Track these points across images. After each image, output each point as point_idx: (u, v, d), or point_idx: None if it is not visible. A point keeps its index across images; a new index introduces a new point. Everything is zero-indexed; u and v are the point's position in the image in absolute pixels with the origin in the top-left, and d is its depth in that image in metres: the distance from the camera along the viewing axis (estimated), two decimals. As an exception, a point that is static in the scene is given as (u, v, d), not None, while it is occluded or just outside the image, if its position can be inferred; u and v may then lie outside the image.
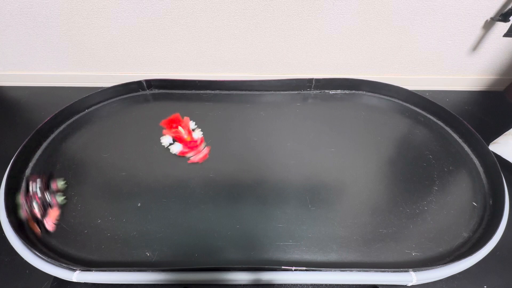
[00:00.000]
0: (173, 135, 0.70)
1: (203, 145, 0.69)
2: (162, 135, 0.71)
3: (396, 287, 0.51)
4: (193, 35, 0.82)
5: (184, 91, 0.84)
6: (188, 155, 0.68)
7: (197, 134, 0.71)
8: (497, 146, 0.71)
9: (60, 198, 0.58)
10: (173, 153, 0.68)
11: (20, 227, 0.55)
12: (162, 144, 0.70)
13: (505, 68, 0.89)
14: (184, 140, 0.69)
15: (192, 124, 0.73)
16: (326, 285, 0.53)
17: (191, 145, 0.68)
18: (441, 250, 0.53)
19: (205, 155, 0.68)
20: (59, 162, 0.67)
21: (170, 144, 0.69)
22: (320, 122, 0.76)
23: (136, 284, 0.51)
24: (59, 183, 0.61)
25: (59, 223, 0.56)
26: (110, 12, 0.77)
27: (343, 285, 0.52)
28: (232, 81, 0.82)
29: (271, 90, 0.84)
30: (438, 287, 0.53)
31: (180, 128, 0.70)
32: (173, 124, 0.72)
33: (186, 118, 0.74)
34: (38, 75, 0.94)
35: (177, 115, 0.73)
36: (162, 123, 0.73)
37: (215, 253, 0.53)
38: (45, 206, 0.56)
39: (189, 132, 0.70)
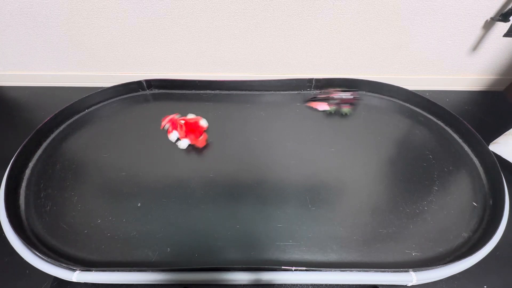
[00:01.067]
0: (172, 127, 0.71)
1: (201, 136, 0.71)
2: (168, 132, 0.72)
3: (396, 287, 0.51)
4: (193, 35, 0.82)
5: (184, 91, 0.84)
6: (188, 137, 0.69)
7: (203, 123, 0.72)
8: (497, 146, 0.71)
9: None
10: (181, 148, 0.69)
11: (20, 227, 0.55)
12: (170, 141, 0.71)
13: (505, 68, 0.89)
14: (182, 126, 0.70)
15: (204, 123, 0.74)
16: (326, 285, 0.53)
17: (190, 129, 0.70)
18: (441, 250, 0.53)
19: (203, 142, 0.69)
20: (59, 162, 0.67)
21: (178, 139, 0.71)
22: (320, 122, 0.76)
23: (136, 284, 0.51)
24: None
25: (60, 223, 0.57)
26: (110, 12, 0.77)
27: (343, 285, 0.52)
28: (232, 81, 0.82)
29: (271, 90, 0.84)
30: (438, 287, 0.53)
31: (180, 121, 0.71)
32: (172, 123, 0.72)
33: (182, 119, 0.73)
34: (38, 75, 0.94)
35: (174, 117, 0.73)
36: (167, 122, 0.73)
37: (215, 253, 0.53)
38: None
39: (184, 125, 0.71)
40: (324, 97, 0.77)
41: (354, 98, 0.78)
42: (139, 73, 0.93)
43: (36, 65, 0.92)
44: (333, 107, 0.75)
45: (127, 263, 0.52)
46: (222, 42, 0.83)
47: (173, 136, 0.70)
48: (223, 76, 0.92)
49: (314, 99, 0.77)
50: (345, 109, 0.75)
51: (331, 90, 0.78)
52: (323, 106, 0.76)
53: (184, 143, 0.69)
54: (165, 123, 0.72)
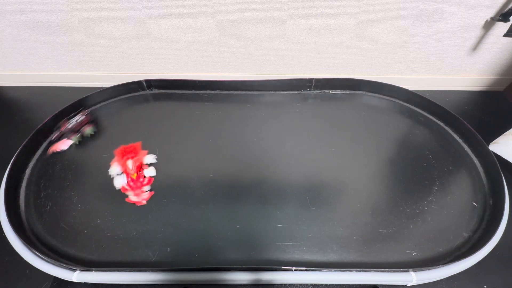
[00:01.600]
0: (121, 166, 0.63)
1: (147, 187, 0.61)
2: (112, 164, 0.64)
3: (396, 287, 0.51)
4: (193, 35, 0.82)
5: (184, 91, 0.84)
6: (128, 193, 0.60)
7: (149, 172, 0.63)
8: (497, 146, 0.71)
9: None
10: (116, 187, 0.61)
11: (20, 227, 0.55)
12: (109, 174, 0.63)
13: (505, 68, 0.89)
14: (129, 175, 0.62)
15: (150, 158, 0.66)
16: (326, 285, 0.53)
17: (135, 184, 0.61)
18: (441, 250, 0.53)
19: (144, 200, 0.59)
20: (59, 162, 0.67)
21: (117, 174, 0.63)
22: (320, 122, 0.76)
23: (136, 284, 0.51)
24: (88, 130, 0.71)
25: (60, 223, 0.57)
26: (110, 12, 0.77)
27: (343, 285, 0.52)
28: (232, 81, 0.82)
29: (271, 90, 0.84)
30: (438, 287, 0.53)
31: (129, 161, 0.63)
32: (126, 154, 0.65)
33: (143, 152, 0.66)
34: (38, 75, 0.94)
35: (137, 144, 0.67)
36: (116, 150, 0.66)
37: (215, 253, 0.53)
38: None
39: (138, 168, 0.63)
40: (60, 134, 0.69)
41: (86, 116, 0.72)
42: (139, 73, 0.93)
43: (36, 65, 0.92)
44: (76, 137, 0.69)
45: (127, 263, 0.52)
46: (222, 42, 0.83)
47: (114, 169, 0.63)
48: (223, 76, 0.92)
49: (52, 142, 0.68)
50: (87, 130, 0.70)
51: (60, 124, 0.70)
52: (65, 144, 0.68)
53: (120, 180, 0.62)
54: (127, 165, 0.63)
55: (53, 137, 0.69)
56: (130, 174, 0.62)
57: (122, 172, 0.63)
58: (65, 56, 0.89)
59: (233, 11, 0.76)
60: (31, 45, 0.85)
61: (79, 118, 0.71)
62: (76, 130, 0.69)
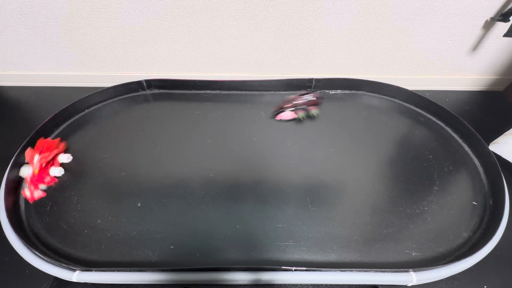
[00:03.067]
0: (30, 157, 0.62)
1: (43, 186, 0.61)
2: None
3: (396, 287, 0.51)
4: (193, 35, 0.82)
5: (184, 91, 0.84)
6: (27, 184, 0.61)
7: (55, 172, 0.63)
8: (497, 146, 0.71)
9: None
10: (21, 175, 0.61)
11: (20, 227, 0.55)
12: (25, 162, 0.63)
13: (505, 68, 0.89)
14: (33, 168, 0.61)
15: (64, 158, 0.65)
16: (326, 285, 0.53)
17: (34, 179, 0.60)
18: (441, 250, 0.53)
19: (34, 197, 0.59)
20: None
21: (25, 163, 0.62)
22: (320, 122, 0.76)
23: (136, 284, 0.51)
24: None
25: (60, 223, 0.57)
26: (110, 12, 0.77)
27: (343, 285, 0.52)
28: (232, 81, 0.82)
29: (271, 90, 0.84)
30: (438, 287, 0.53)
31: (36, 155, 0.62)
32: (42, 148, 0.63)
33: (61, 149, 0.66)
34: (38, 75, 0.94)
35: (57, 141, 0.67)
36: (38, 141, 0.64)
37: (215, 253, 0.53)
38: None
39: (46, 165, 0.62)
40: (290, 105, 0.74)
41: (317, 98, 0.76)
42: (139, 73, 0.93)
43: (36, 65, 0.92)
44: (302, 113, 0.74)
45: (127, 263, 0.52)
46: (222, 42, 0.83)
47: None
48: (223, 76, 0.92)
49: (280, 110, 0.75)
50: (314, 111, 0.74)
51: (292, 97, 0.76)
52: (288, 115, 0.74)
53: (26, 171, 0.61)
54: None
55: (284, 106, 0.74)
56: (33, 169, 0.61)
57: (29, 164, 0.62)
58: (65, 56, 0.89)
59: (233, 11, 0.76)
60: (31, 45, 0.85)
61: (311, 96, 0.75)
62: (304, 107, 0.74)
